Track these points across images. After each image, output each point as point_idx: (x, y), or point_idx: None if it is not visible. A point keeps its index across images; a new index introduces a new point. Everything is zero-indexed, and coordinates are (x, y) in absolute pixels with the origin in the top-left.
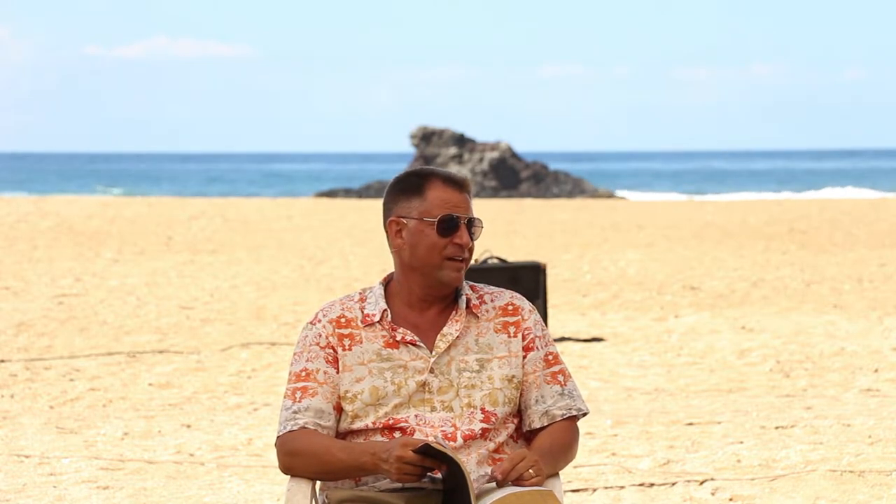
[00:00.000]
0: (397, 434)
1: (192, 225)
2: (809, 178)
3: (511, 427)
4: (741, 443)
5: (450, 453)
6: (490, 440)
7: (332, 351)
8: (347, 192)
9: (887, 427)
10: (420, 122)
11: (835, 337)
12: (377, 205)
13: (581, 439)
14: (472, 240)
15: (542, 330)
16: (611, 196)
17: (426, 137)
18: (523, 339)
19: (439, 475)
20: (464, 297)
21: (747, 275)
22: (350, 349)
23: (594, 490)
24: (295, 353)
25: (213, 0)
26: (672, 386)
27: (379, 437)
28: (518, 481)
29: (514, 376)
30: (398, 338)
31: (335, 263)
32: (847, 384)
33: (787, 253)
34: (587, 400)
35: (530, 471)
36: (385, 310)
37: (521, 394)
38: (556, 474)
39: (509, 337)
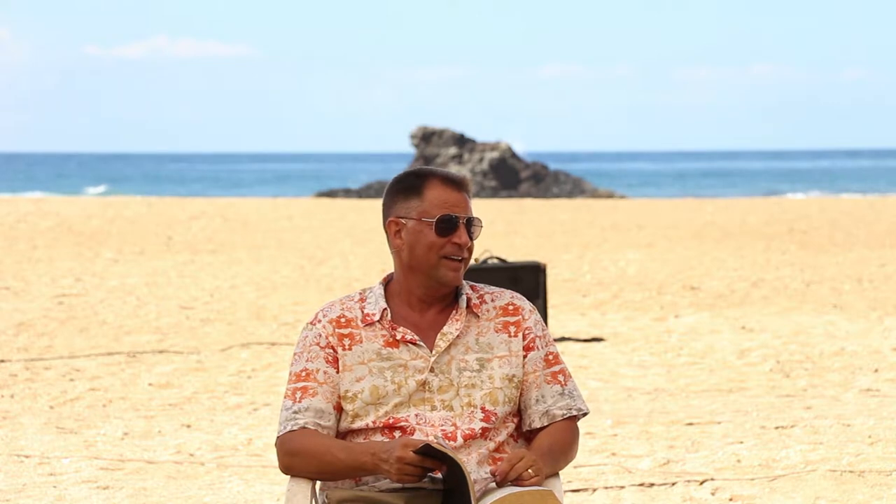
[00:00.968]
0: (397, 433)
1: (192, 225)
2: (809, 178)
3: (511, 426)
4: (741, 443)
5: (450, 453)
6: (490, 439)
7: (332, 351)
8: (347, 192)
9: (887, 427)
10: (420, 122)
11: (835, 337)
12: (377, 205)
13: (581, 439)
14: (471, 239)
15: (543, 330)
16: (611, 196)
17: (426, 137)
18: (524, 338)
19: (439, 475)
20: (464, 297)
21: (747, 275)
22: (350, 349)
23: (594, 490)
24: (295, 354)
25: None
26: (672, 386)
27: (379, 437)
28: (517, 482)
29: (514, 375)
30: (398, 337)
31: (335, 263)
32: (847, 384)
33: (787, 253)
34: (587, 400)
35: (529, 471)
36: (385, 309)
37: (521, 393)
38: (556, 474)
39: (510, 336)
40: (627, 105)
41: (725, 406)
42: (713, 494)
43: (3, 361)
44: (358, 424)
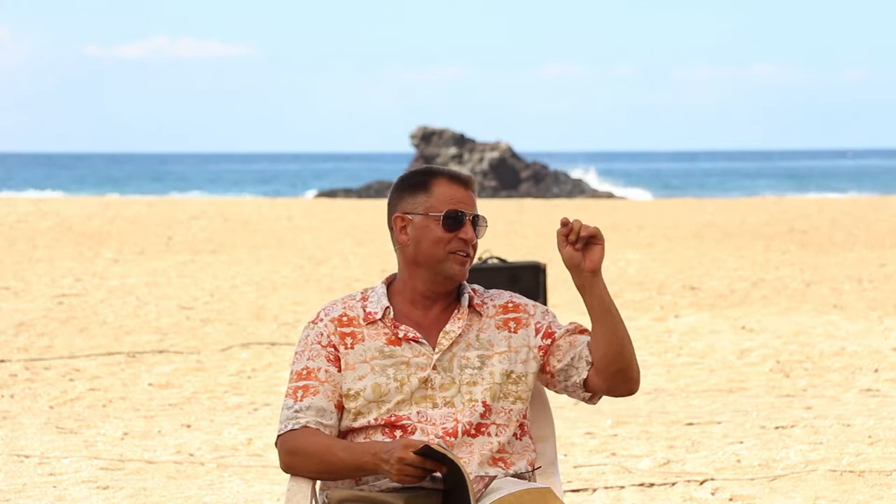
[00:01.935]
0: (398, 432)
1: (192, 225)
2: (810, 178)
3: (514, 426)
4: (741, 443)
5: (450, 455)
6: (492, 436)
7: (333, 350)
8: (347, 192)
9: (887, 427)
10: (420, 122)
11: (835, 337)
12: (377, 205)
13: (581, 439)
14: (476, 236)
15: (553, 316)
16: (611, 196)
17: (426, 137)
18: (536, 332)
19: (440, 475)
20: (466, 295)
21: (747, 275)
22: (352, 347)
23: (594, 490)
24: (296, 352)
25: (213, 0)
26: (672, 386)
27: (380, 435)
28: (581, 243)
29: (512, 371)
30: (400, 335)
31: (335, 263)
32: (847, 384)
33: (787, 253)
34: None
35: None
36: (387, 307)
37: (558, 361)
38: (556, 473)
39: (510, 332)
40: (627, 105)
41: (725, 406)
42: (713, 494)
43: (3, 361)
44: (360, 422)
